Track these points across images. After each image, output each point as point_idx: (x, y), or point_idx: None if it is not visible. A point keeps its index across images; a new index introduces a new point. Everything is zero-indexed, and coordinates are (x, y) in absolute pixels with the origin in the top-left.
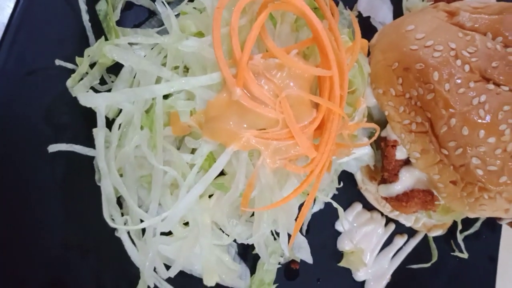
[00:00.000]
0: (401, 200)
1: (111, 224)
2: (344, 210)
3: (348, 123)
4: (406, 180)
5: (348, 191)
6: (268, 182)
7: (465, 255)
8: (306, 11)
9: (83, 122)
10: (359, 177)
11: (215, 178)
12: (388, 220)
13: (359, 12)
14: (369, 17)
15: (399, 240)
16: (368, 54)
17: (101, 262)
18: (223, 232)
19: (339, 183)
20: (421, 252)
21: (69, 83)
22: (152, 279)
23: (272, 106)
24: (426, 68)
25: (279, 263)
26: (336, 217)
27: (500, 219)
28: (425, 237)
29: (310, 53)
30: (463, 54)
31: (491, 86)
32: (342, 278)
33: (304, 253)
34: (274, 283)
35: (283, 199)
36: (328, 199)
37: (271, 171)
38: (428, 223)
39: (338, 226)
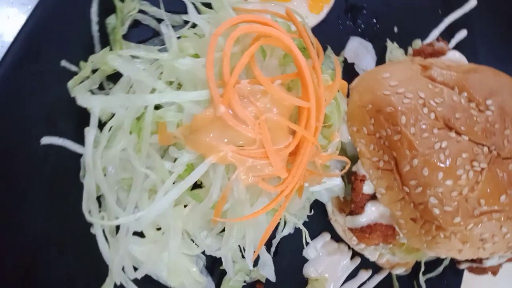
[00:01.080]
0: (364, 232)
1: (88, 217)
2: (313, 238)
3: (320, 153)
4: (371, 213)
5: (319, 221)
6: (240, 197)
7: None
8: (293, 49)
9: (77, 122)
10: (329, 208)
11: (192, 189)
12: (355, 254)
13: (345, 58)
14: (353, 63)
15: (364, 274)
16: (348, 95)
17: (75, 257)
18: (193, 242)
19: (310, 211)
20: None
21: (70, 83)
22: (119, 277)
23: (252, 126)
24: (395, 112)
25: (245, 281)
26: (304, 244)
27: (459, 263)
28: (390, 275)
29: (294, 86)
30: (430, 103)
31: (452, 134)
32: None
33: (268, 270)
34: None
35: (252, 214)
36: (298, 222)
37: (244, 186)
38: (392, 260)
39: (306, 253)
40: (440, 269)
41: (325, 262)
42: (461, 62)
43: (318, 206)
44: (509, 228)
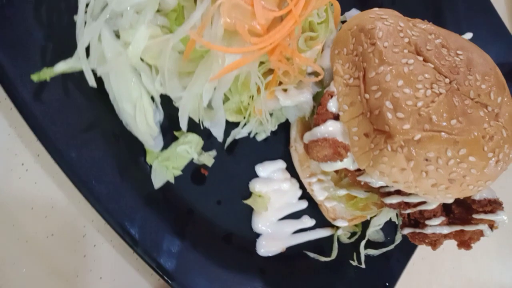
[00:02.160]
0: (317, 142)
1: None
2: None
3: (300, 53)
4: (329, 128)
5: (279, 149)
6: (217, 33)
7: (362, 266)
8: None
9: None
10: (293, 133)
11: None
12: (303, 198)
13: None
14: None
15: (307, 220)
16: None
17: None
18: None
19: (276, 133)
20: (323, 246)
21: None
22: (81, 61)
23: None
24: (375, 28)
25: (192, 159)
26: (261, 160)
27: (402, 227)
28: (331, 237)
29: None
30: (407, 31)
31: (420, 58)
32: (240, 215)
33: (218, 129)
34: (177, 178)
35: (226, 68)
36: (264, 120)
37: (223, 25)
38: (338, 211)
39: (258, 169)
40: (383, 249)
41: (273, 185)
42: None
43: (280, 138)
44: (453, 154)
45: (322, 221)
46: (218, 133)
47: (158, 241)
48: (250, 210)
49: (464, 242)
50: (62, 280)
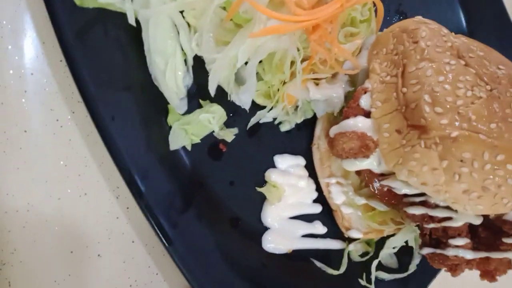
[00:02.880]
0: (343, 135)
1: None
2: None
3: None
4: (358, 123)
5: (302, 145)
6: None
7: (371, 287)
8: None
9: None
10: (318, 129)
11: None
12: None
13: None
14: None
15: (319, 226)
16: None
17: None
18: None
19: (300, 129)
20: (331, 258)
21: None
22: None
23: None
24: (418, 29)
25: (213, 131)
26: (281, 151)
27: (421, 246)
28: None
29: None
30: (450, 37)
31: (462, 62)
32: (251, 202)
33: (246, 96)
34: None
35: (267, 28)
36: (289, 112)
37: None
38: (354, 221)
39: (276, 159)
40: (396, 275)
41: (290, 180)
42: None
43: (304, 134)
44: (491, 158)
45: (334, 232)
46: (245, 100)
47: (163, 200)
48: (261, 200)
49: (489, 272)
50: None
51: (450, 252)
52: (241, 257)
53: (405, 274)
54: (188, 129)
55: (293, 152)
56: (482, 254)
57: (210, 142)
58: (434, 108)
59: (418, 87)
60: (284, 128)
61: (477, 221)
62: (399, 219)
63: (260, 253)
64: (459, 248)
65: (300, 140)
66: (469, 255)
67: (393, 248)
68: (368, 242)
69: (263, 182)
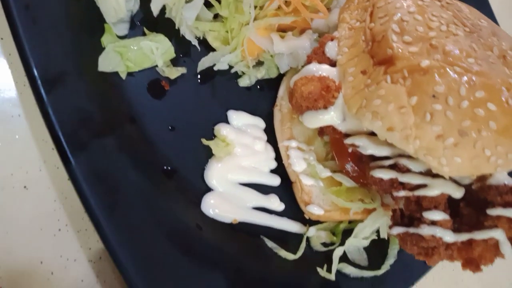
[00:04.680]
0: (305, 79)
1: None
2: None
3: None
4: (322, 70)
5: (262, 107)
6: None
7: (331, 278)
8: None
9: None
10: (281, 90)
11: None
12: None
13: None
14: None
15: (275, 201)
16: None
17: None
18: None
19: (263, 89)
20: (288, 241)
21: None
22: None
23: None
24: None
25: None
26: (237, 108)
27: (391, 225)
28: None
29: None
30: None
31: (438, 3)
32: (193, 154)
33: (190, 13)
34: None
35: None
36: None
37: None
38: (314, 194)
39: (230, 114)
40: (364, 272)
41: (244, 138)
42: None
43: (266, 96)
44: (468, 94)
45: (294, 213)
46: (189, 17)
47: (71, 113)
48: (207, 156)
49: (472, 261)
50: None
51: (425, 230)
52: (170, 212)
53: (376, 272)
54: (124, 53)
55: (253, 113)
56: (464, 236)
57: (152, 78)
58: (402, 38)
59: (386, 18)
60: (243, 82)
61: (458, 193)
62: (369, 200)
63: (197, 213)
64: (436, 226)
65: (261, 101)
66: (449, 236)
67: (363, 238)
68: (333, 232)
69: (212, 136)
